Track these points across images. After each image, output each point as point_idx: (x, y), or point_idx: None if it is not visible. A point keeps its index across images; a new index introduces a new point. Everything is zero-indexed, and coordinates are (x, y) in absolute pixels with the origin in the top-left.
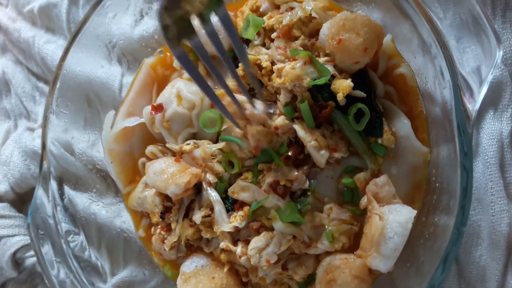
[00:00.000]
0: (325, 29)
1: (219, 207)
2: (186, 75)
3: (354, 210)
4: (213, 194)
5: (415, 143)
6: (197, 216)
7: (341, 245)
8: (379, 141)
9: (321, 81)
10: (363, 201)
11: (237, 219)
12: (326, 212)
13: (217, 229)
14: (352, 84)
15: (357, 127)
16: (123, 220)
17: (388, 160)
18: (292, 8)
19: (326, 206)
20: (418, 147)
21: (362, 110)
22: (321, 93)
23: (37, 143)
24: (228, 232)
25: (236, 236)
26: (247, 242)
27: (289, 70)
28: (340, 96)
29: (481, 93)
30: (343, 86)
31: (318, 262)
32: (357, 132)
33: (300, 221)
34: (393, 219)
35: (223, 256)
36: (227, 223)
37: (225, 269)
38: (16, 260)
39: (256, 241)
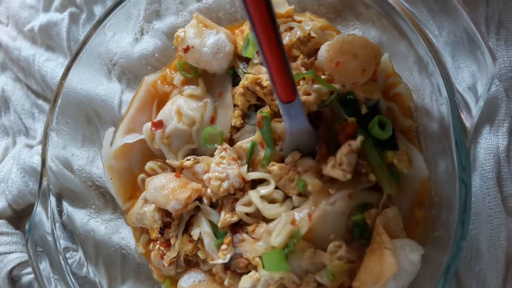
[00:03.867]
0: (323, 51)
1: (208, 240)
2: (186, 92)
3: (365, 244)
4: (204, 225)
5: (424, 173)
6: (195, 232)
7: (339, 283)
8: (395, 160)
9: (334, 96)
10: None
11: (222, 253)
12: (333, 250)
13: (209, 260)
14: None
15: (383, 135)
16: (122, 236)
17: (400, 189)
18: (291, 28)
19: (334, 243)
20: (425, 175)
21: (382, 122)
22: (344, 106)
23: (36, 160)
24: None
25: (227, 264)
26: (235, 273)
27: (306, 98)
28: (377, 96)
29: (478, 108)
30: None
31: None
32: (377, 151)
33: (286, 269)
34: (405, 257)
35: (220, 275)
36: (215, 253)
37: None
38: (13, 278)
39: (244, 282)
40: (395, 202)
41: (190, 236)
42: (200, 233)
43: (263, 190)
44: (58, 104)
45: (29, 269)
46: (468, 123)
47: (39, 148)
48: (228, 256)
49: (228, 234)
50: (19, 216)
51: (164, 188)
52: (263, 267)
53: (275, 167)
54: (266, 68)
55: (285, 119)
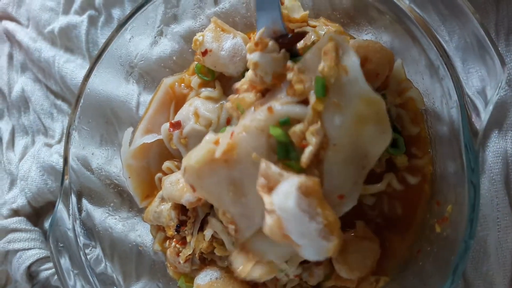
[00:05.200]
0: None
1: (225, 237)
2: (203, 94)
3: (292, 166)
4: (217, 225)
5: (364, 87)
6: (208, 233)
7: None
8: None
9: None
10: (303, 157)
11: None
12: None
13: (230, 256)
14: None
15: None
16: (138, 234)
17: (331, 107)
18: (306, 33)
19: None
20: (367, 92)
21: None
22: None
23: (55, 159)
24: None
25: None
26: None
27: None
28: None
29: (487, 112)
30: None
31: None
32: None
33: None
34: (278, 209)
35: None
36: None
37: None
38: (31, 273)
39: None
40: (328, 120)
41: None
42: (216, 233)
43: None
44: (80, 104)
45: (47, 265)
46: (477, 126)
47: (57, 147)
48: None
49: None
50: (38, 214)
51: (179, 182)
52: None
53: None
54: None
55: (257, 9)
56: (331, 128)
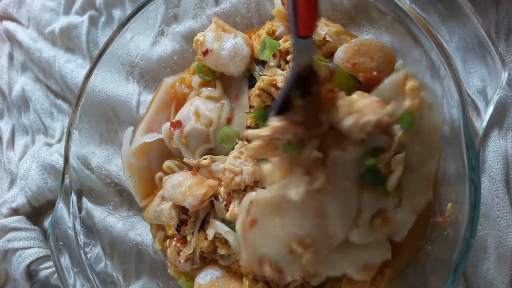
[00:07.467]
0: (340, 53)
1: (231, 238)
2: (204, 93)
3: (379, 190)
4: (221, 227)
5: (438, 119)
6: (210, 233)
7: None
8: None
9: None
10: (390, 182)
11: None
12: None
13: (237, 256)
14: None
15: None
16: (138, 233)
17: (412, 135)
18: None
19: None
20: (438, 123)
21: None
22: None
23: (55, 158)
24: None
25: None
26: None
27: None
28: None
29: (488, 112)
30: None
31: None
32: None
33: None
34: None
35: (243, 269)
36: None
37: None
38: (30, 272)
39: None
40: (409, 148)
41: (206, 233)
42: (220, 233)
43: None
44: (81, 103)
45: (46, 264)
46: (478, 125)
47: (58, 146)
48: None
49: None
50: (38, 213)
51: (181, 185)
52: None
53: None
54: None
55: (295, 55)
56: (411, 155)
